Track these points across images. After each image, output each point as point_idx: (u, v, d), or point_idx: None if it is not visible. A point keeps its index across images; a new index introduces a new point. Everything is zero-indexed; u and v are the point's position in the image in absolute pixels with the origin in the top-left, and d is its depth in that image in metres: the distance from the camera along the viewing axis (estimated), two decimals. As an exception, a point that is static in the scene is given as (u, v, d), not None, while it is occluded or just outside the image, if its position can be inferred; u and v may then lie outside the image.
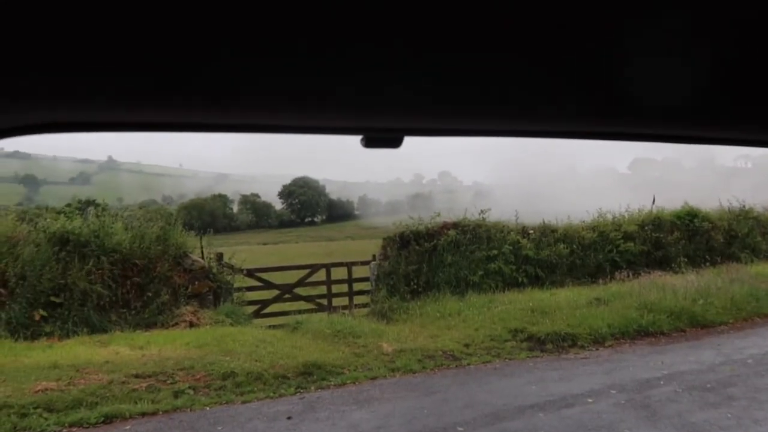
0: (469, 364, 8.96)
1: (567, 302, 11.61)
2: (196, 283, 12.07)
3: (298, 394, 7.71)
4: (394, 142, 0.89)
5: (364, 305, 13.54)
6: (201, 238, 13.10)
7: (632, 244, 15.04)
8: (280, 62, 0.68)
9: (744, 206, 17.63)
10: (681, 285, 12.15)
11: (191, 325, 11.12)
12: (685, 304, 11.27)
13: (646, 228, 15.54)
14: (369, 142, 0.87)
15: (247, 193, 71.28)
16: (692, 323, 10.89)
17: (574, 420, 6.43)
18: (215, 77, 0.69)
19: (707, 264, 14.88)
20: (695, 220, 16.12)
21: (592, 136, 1.06)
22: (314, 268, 14.45)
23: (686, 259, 15.03)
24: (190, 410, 7.12)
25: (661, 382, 7.78)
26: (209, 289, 12.20)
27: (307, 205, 74.91)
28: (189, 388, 7.64)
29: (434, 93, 0.82)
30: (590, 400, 7.10)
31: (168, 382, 7.77)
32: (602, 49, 0.76)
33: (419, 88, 0.79)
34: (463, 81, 0.81)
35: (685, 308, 11.13)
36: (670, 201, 17.06)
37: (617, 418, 6.50)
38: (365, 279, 14.31)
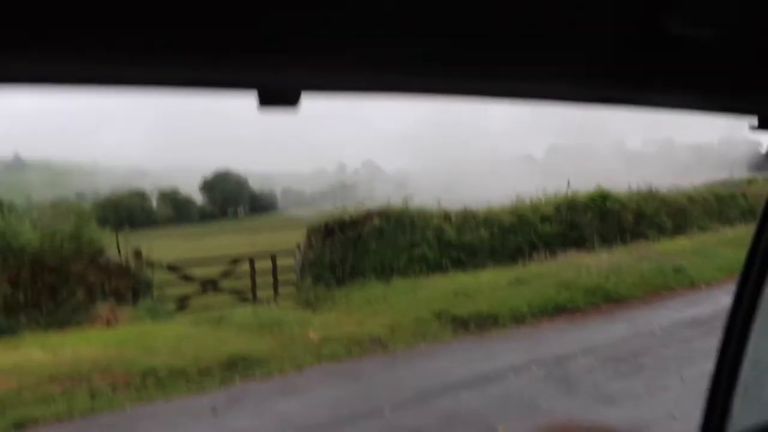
0: (395, 349, 9.06)
1: (489, 284, 11.91)
2: (113, 280, 11.62)
3: (223, 387, 7.57)
4: (291, 100, 0.84)
5: (290, 296, 13.42)
6: (117, 235, 12.63)
7: (549, 225, 15.60)
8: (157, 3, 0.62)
9: (651, 188, 18.63)
10: (595, 263, 12.71)
11: (109, 323, 10.69)
12: (599, 281, 11.81)
13: (561, 210, 16.13)
14: (264, 100, 0.82)
15: (167, 187, 69.03)
16: (606, 299, 11.42)
17: (498, 395, 6.64)
18: (81, 19, 0.60)
19: (618, 243, 15.61)
20: (607, 202, 16.87)
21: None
22: (237, 259, 14.18)
23: (599, 239, 15.73)
24: (109, 411, 6.86)
25: (578, 356, 8.13)
26: (127, 286, 11.77)
27: (229, 198, 73.29)
28: (107, 387, 7.35)
29: (336, 42, 0.75)
30: (512, 376, 7.33)
31: (84, 383, 7.43)
32: None
33: (320, 35, 0.73)
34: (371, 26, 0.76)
35: (599, 285, 11.67)
36: (584, 184, 17.78)
37: (538, 392, 6.75)
38: (290, 269, 14.18)
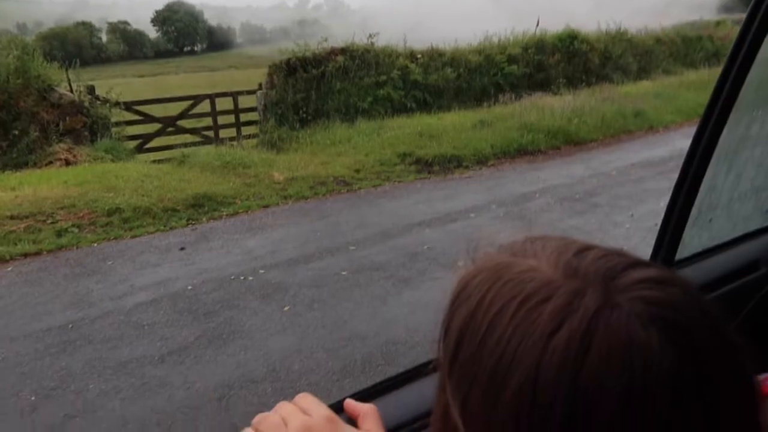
0: (359, 189, 9.21)
1: (453, 126, 11.94)
2: (68, 118, 11.22)
3: (190, 225, 7.69)
4: None
5: (253, 136, 13.27)
6: (67, 70, 11.98)
7: (516, 67, 15.38)
8: None
9: (619, 28, 18.27)
10: (559, 105, 12.76)
11: (67, 163, 10.52)
12: (561, 123, 11.93)
13: (529, 51, 15.84)
14: None
15: (114, 20, 64.75)
16: (567, 141, 11.63)
17: (458, 232, 6.92)
18: None
19: (584, 85, 15.59)
20: (575, 42, 16.57)
21: None
22: (197, 99, 13.77)
23: (565, 81, 15.66)
24: (77, 248, 6.95)
25: (536, 195, 8.42)
26: (83, 125, 11.42)
27: (185, 32, 69.44)
28: (73, 226, 7.39)
29: None
30: (472, 215, 7.61)
31: (48, 222, 7.46)
32: None
33: None
34: None
35: (561, 127, 11.81)
36: (554, 24, 17.31)
37: (498, 230, 7.04)
38: (252, 109, 13.89)
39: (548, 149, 11.28)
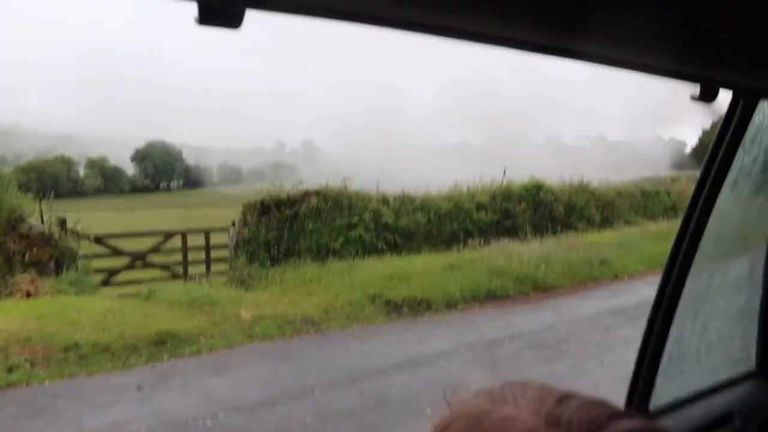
0: (328, 329, 9.07)
1: (423, 268, 12.06)
2: (35, 249, 11.08)
3: (150, 364, 7.39)
4: (234, 18, 0.74)
5: (223, 273, 13.19)
6: (40, 202, 12.03)
7: (484, 213, 15.90)
8: None
9: (582, 181, 19.25)
10: (526, 252, 13.05)
11: (29, 294, 10.22)
12: (529, 269, 12.14)
13: (496, 199, 16.47)
14: (204, 16, 0.72)
15: (95, 155, 66.25)
16: (535, 287, 11.77)
17: (427, 378, 6.74)
18: None
19: (549, 233, 16.09)
20: (540, 192, 17.33)
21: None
22: (169, 234, 13.81)
23: (531, 228, 16.17)
24: (27, 385, 6.58)
25: (506, 341, 8.36)
26: (50, 257, 11.26)
27: (162, 170, 71.04)
28: (25, 361, 7.04)
29: None
30: (442, 360, 7.47)
31: (1, 356, 7.10)
32: None
33: None
34: None
35: (529, 273, 12.00)
36: (519, 175, 18.18)
37: (465, 375, 6.89)
38: (224, 246, 13.93)
39: (517, 295, 11.37)
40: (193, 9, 0.72)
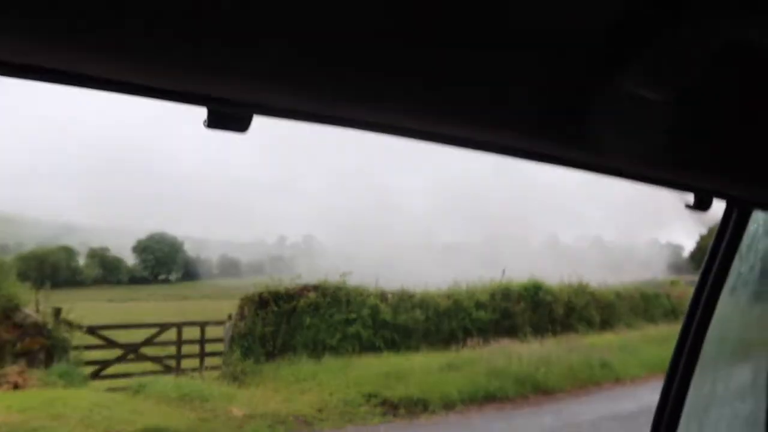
0: (321, 429, 8.77)
1: (421, 367, 11.82)
2: (27, 339, 10.92)
3: (135, 462, 7.10)
4: (241, 122, 0.79)
5: (217, 368, 12.91)
6: (37, 292, 11.98)
7: (483, 312, 15.76)
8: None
9: (581, 282, 19.20)
10: (526, 353, 12.84)
11: (16, 386, 9.97)
12: (529, 370, 11.90)
13: (496, 298, 16.37)
14: (213, 120, 0.77)
15: (97, 246, 66.47)
16: (535, 389, 11.48)
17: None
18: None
19: (549, 333, 15.88)
20: (539, 292, 17.25)
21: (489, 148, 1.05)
22: (164, 326, 13.63)
23: (531, 329, 15.97)
24: (5, 482, 6.30)
25: (506, 446, 8.07)
26: (41, 347, 11.07)
27: (162, 261, 70.97)
28: (6, 457, 6.78)
29: (294, 63, 0.73)
30: (439, 465, 7.19)
31: (-20, 451, 6.85)
32: None
33: (277, 56, 0.72)
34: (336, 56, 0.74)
35: (529, 375, 11.75)
36: (518, 274, 18.17)
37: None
38: (219, 340, 13.71)
39: (516, 397, 11.08)
40: (203, 113, 0.78)
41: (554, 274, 19.13)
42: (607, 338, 16.31)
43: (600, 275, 21.71)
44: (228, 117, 0.79)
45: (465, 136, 1.02)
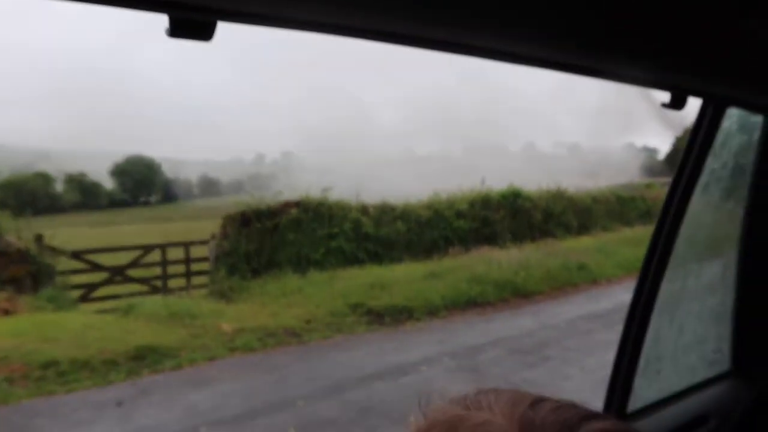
0: (310, 341, 9.03)
1: (404, 277, 12.08)
2: (12, 267, 10.92)
3: (130, 379, 7.30)
4: (205, 30, 0.73)
5: (203, 286, 13.08)
6: (17, 220, 11.88)
7: (464, 221, 15.99)
8: None
9: (559, 188, 19.45)
10: (505, 259, 13.15)
11: (6, 312, 10.05)
12: (509, 276, 12.23)
13: (475, 207, 16.57)
14: (175, 29, 0.71)
15: (74, 171, 65.29)
16: (515, 293, 11.85)
17: (410, 386, 6.76)
18: None
19: (528, 239, 16.22)
20: (518, 200, 17.47)
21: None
22: (148, 248, 13.67)
23: (510, 235, 16.29)
24: (4, 404, 6.46)
25: (488, 348, 8.40)
26: (27, 273, 11.09)
27: (141, 184, 70.18)
28: (3, 380, 6.92)
29: None
30: (424, 368, 7.49)
31: (-23, 375, 6.98)
32: None
33: None
34: None
35: (509, 280, 12.08)
36: (497, 182, 18.32)
37: (449, 382, 6.91)
38: (204, 259, 13.82)
39: (497, 301, 11.43)
40: (165, 21, 0.71)
41: (532, 181, 19.32)
42: (585, 242, 16.72)
43: (577, 181, 22.00)
44: (191, 24, 0.73)
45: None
